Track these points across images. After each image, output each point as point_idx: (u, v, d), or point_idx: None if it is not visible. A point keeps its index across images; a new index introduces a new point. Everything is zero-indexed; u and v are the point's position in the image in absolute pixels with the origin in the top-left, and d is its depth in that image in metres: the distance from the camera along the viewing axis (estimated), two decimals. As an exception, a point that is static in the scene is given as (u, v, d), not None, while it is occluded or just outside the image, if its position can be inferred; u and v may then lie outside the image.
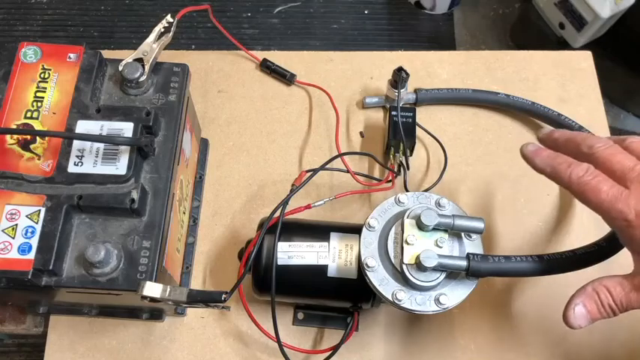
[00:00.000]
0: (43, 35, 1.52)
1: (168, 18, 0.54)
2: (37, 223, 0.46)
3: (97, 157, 0.49)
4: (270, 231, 0.52)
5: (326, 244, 0.53)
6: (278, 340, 0.53)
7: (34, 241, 0.45)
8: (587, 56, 0.76)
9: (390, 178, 0.63)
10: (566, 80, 0.74)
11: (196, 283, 0.62)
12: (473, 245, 0.49)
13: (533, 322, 0.61)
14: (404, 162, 0.64)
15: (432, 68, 0.75)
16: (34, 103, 0.50)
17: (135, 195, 0.47)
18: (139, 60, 0.52)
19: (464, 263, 0.46)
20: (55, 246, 0.45)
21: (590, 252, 0.49)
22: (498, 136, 0.71)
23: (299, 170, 0.68)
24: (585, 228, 0.66)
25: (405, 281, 0.48)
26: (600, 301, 0.42)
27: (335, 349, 0.56)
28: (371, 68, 0.74)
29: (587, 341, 0.61)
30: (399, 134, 0.63)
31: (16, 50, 0.52)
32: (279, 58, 0.73)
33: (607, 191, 0.39)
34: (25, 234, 0.45)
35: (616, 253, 0.52)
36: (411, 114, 0.66)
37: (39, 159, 0.48)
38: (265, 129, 0.70)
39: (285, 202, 0.53)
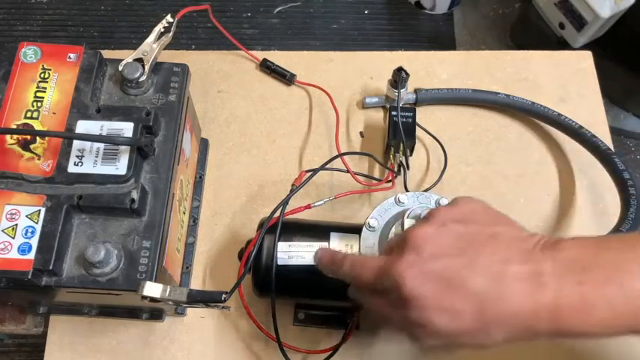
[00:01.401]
0: (43, 35, 1.52)
1: (169, 18, 0.54)
2: (37, 223, 0.46)
3: (97, 157, 0.49)
4: (270, 231, 0.52)
5: (326, 244, 0.53)
6: (278, 340, 0.53)
7: (34, 241, 0.45)
8: (587, 56, 0.76)
9: (390, 178, 0.63)
10: (566, 80, 0.74)
11: (196, 283, 0.62)
12: (473, 245, 0.49)
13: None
14: (404, 162, 0.64)
15: (432, 68, 0.75)
16: (34, 103, 0.50)
17: (135, 195, 0.47)
18: (139, 60, 0.52)
19: (464, 263, 0.46)
20: (55, 246, 0.45)
21: (590, 252, 0.49)
22: (498, 136, 0.71)
23: (299, 170, 0.68)
24: (585, 228, 0.66)
25: (405, 281, 0.48)
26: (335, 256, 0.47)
27: (335, 349, 0.56)
28: (371, 68, 0.74)
29: (589, 341, 0.61)
30: (399, 134, 0.63)
31: (16, 50, 0.52)
32: (279, 58, 0.73)
33: (371, 268, 0.42)
34: (25, 234, 0.45)
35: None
36: (411, 114, 0.66)
37: (39, 159, 0.48)
38: (265, 129, 0.70)
39: (285, 202, 0.53)
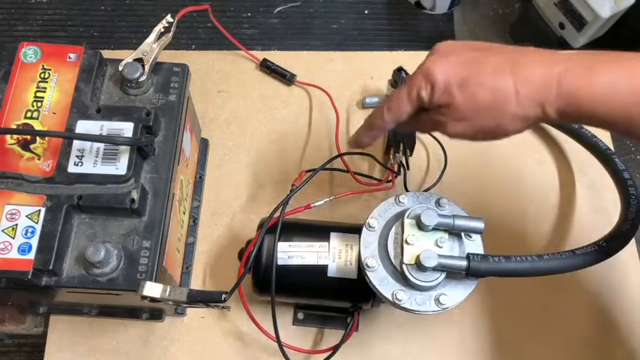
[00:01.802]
0: (43, 35, 1.52)
1: (169, 18, 0.54)
2: (37, 223, 0.46)
3: (97, 157, 0.49)
4: (270, 231, 0.52)
5: (326, 244, 0.53)
6: (278, 340, 0.53)
7: (34, 241, 0.45)
8: (587, 56, 0.76)
9: (390, 178, 0.63)
10: (566, 80, 0.74)
11: (196, 283, 0.62)
12: (473, 245, 0.49)
13: (533, 322, 0.62)
14: (404, 162, 0.64)
15: (432, 68, 0.74)
16: (34, 103, 0.50)
17: (135, 195, 0.47)
18: (139, 60, 0.52)
19: (464, 263, 0.46)
20: (55, 246, 0.45)
21: (589, 252, 0.49)
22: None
23: (299, 170, 0.68)
24: (585, 228, 0.66)
25: (405, 281, 0.48)
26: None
27: (335, 349, 0.56)
28: (371, 68, 0.74)
29: (589, 341, 0.61)
30: (399, 134, 0.63)
31: (16, 50, 0.52)
32: (279, 58, 0.73)
33: (401, 89, 0.46)
34: (25, 234, 0.45)
35: (616, 253, 0.52)
36: (411, 114, 0.66)
37: (39, 159, 0.48)
38: (265, 129, 0.70)
39: (285, 202, 0.53)
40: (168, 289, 0.44)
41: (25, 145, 0.49)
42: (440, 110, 0.44)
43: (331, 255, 0.53)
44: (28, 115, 0.50)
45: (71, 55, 0.53)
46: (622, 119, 0.41)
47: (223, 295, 0.46)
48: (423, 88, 0.44)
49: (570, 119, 0.43)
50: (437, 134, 0.68)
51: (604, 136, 0.66)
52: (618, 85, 0.40)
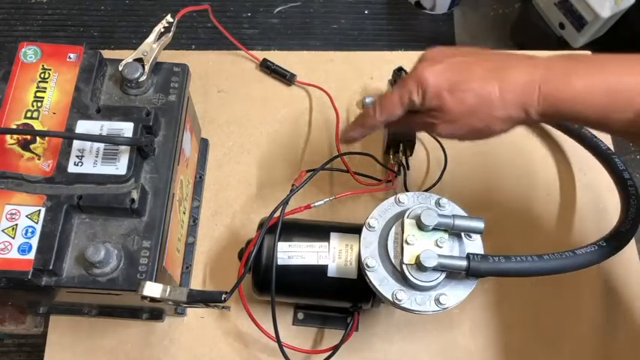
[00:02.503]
0: (43, 35, 1.52)
1: (169, 18, 0.54)
2: (37, 223, 0.46)
3: (97, 157, 0.49)
4: (270, 231, 0.52)
5: (326, 244, 0.53)
6: (278, 340, 0.53)
7: (34, 241, 0.45)
8: (587, 56, 0.76)
9: (390, 178, 0.63)
10: (566, 80, 0.74)
11: (196, 283, 0.62)
12: (473, 245, 0.49)
13: (533, 322, 0.62)
14: (404, 162, 0.64)
15: (432, 68, 0.74)
16: (34, 103, 0.50)
17: (135, 195, 0.47)
18: (139, 60, 0.52)
19: (464, 263, 0.46)
20: (55, 246, 0.45)
21: (590, 252, 0.49)
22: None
23: (299, 170, 0.68)
24: (585, 228, 0.66)
25: (405, 281, 0.48)
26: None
27: (335, 349, 0.56)
28: (371, 68, 0.74)
29: (589, 341, 0.61)
30: (398, 134, 0.63)
31: (16, 50, 0.52)
32: (279, 58, 0.73)
33: (393, 92, 0.49)
34: (25, 234, 0.45)
35: (616, 253, 0.52)
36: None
37: (39, 159, 0.48)
38: (265, 129, 0.70)
39: (285, 202, 0.53)
40: (168, 289, 0.44)
41: (25, 145, 0.49)
42: (431, 113, 0.47)
43: (331, 255, 0.53)
44: (28, 115, 0.50)
45: (71, 55, 0.53)
46: (599, 118, 0.44)
47: (223, 295, 0.46)
48: (415, 93, 0.47)
49: (552, 119, 0.48)
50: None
51: (604, 137, 0.66)
52: (593, 88, 0.43)
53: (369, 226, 0.50)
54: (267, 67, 0.73)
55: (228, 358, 0.59)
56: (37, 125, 0.50)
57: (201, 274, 0.62)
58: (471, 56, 0.47)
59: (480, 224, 0.48)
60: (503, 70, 0.45)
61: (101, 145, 0.49)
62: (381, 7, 1.61)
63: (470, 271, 0.46)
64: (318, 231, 0.54)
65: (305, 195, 0.64)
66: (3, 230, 0.45)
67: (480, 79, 0.45)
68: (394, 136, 0.64)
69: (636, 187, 0.59)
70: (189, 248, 0.62)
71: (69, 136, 0.49)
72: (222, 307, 0.48)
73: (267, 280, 0.52)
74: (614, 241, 0.52)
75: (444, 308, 0.47)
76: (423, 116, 0.48)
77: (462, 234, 0.49)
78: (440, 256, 0.46)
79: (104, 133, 0.49)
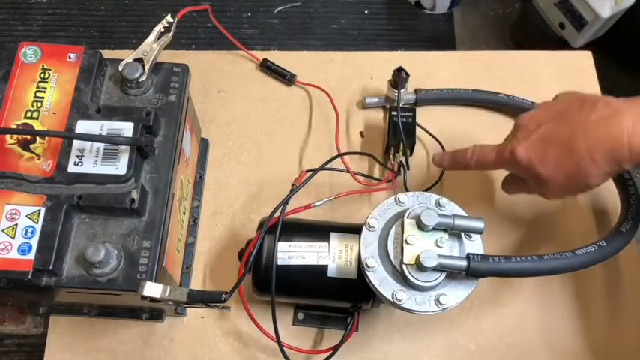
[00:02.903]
0: (43, 35, 1.52)
1: (169, 18, 0.54)
2: (37, 223, 0.46)
3: (97, 157, 0.49)
4: (270, 231, 0.52)
5: (326, 244, 0.53)
6: (278, 340, 0.53)
7: (34, 241, 0.45)
8: (587, 56, 0.76)
9: (390, 178, 0.63)
10: (566, 80, 0.74)
11: (196, 283, 0.62)
12: (473, 245, 0.49)
13: (533, 321, 0.61)
14: (404, 162, 0.64)
15: (432, 68, 0.75)
16: (34, 103, 0.50)
17: (135, 195, 0.47)
18: (139, 60, 0.52)
19: (464, 263, 0.46)
20: (55, 246, 0.45)
21: (590, 252, 0.49)
22: (498, 136, 0.70)
23: (299, 170, 0.68)
24: (585, 228, 0.66)
25: (405, 281, 0.48)
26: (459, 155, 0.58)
27: (335, 349, 0.56)
28: (371, 68, 0.74)
29: (589, 341, 0.61)
30: (399, 134, 0.63)
31: (16, 50, 0.52)
32: (279, 58, 0.73)
33: (492, 149, 0.55)
34: (25, 234, 0.45)
35: (616, 253, 0.52)
36: (411, 114, 0.66)
37: (39, 159, 0.48)
38: (265, 129, 0.70)
39: (285, 202, 0.53)
40: (168, 289, 0.44)
41: (25, 145, 0.49)
42: (533, 182, 0.52)
43: (331, 255, 0.53)
44: (28, 115, 0.50)
45: (71, 55, 0.53)
46: None
47: (223, 295, 0.46)
48: (511, 165, 0.53)
49: None
50: (437, 134, 0.68)
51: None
52: None
53: (369, 226, 0.50)
54: (267, 67, 0.73)
55: (228, 358, 0.59)
56: (37, 125, 0.50)
57: (201, 274, 0.62)
58: (559, 119, 0.50)
59: (479, 224, 0.48)
60: (589, 131, 0.47)
61: (101, 145, 0.49)
62: (381, 7, 1.61)
63: (470, 271, 0.46)
64: (318, 231, 0.54)
65: (305, 195, 0.64)
66: (3, 230, 0.45)
67: (567, 147, 0.48)
68: (394, 136, 0.64)
69: (636, 187, 0.59)
70: (189, 248, 0.62)
71: (69, 136, 0.49)
72: (222, 307, 0.48)
73: (267, 280, 0.52)
74: (614, 241, 0.52)
75: (444, 308, 0.47)
76: (530, 186, 0.53)
77: (462, 234, 0.49)
78: (440, 256, 0.46)
79: (104, 133, 0.49)
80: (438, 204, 0.51)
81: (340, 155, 0.60)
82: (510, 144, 0.52)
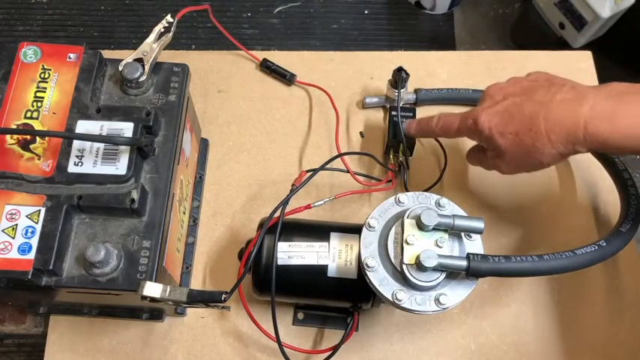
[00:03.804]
0: (43, 35, 1.52)
1: (168, 18, 0.54)
2: (37, 223, 0.46)
3: (97, 157, 0.49)
4: (270, 231, 0.52)
5: (326, 244, 0.53)
6: (278, 340, 0.53)
7: (34, 241, 0.45)
8: (587, 56, 0.76)
9: (390, 178, 0.63)
10: (566, 80, 0.74)
11: (196, 283, 0.62)
12: (473, 245, 0.49)
13: (533, 321, 0.62)
14: (404, 162, 0.64)
15: (432, 68, 0.75)
16: (34, 103, 0.50)
17: (135, 195, 0.47)
18: (139, 60, 0.52)
19: (464, 263, 0.46)
20: (55, 246, 0.45)
21: (590, 252, 0.49)
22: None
23: (299, 170, 0.68)
24: (585, 228, 0.66)
25: (405, 281, 0.48)
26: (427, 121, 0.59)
27: (335, 349, 0.56)
28: (371, 68, 0.74)
29: (589, 341, 0.61)
30: (399, 134, 0.63)
31: (16, 50, 0.52)
32: (279, 58, 0.73)
33: (456, 116, 0.56)
34: (25, 234, 0.45)
35: (616, 253, 0.52)
36: (411, 114, 0.66)
37: (39, 159, 0.48)
38: (265, 129, 0.70)
39: (285, 202, 0.53)
40: (168, 289, 0.44)
41: (25, 145, 0.49)
42: (493, 153, 0.53)
43: (331, 255, 0.53)
44: (28, 115, 0.50)
45: (71, 55, 0.53)
46: None
47: (223, 295, 0.46)
48: (472, 132, 0.53)
49: (601, 151, 0.51)
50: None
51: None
52: (638, 127, 0.46)
53: (369, 226, 0.50)
54: (267, 67, 0.73)
55: (228, 358, 0.59)
56: (37, 125, 0.50)
57: (201, 274, 0.62)
58: (524, 93, 0.51)
59: (479, 224, 0.48)
60: (550, 111, 0.48)
61: (101, 145, 0.49)
62: (381, 7, 1.61)
63: (470, 271, 0.46)
64: (318, 231, 0.54)
65: (305, 195, 0.64)
66: (3, 230, 0.45)
67: (528, 123, 0.49)
68: (394, 136, 0.64)
69: (636, 187, 0.59)
70: (189, 248, 0.62)
71: (69, 136, 0.49)
72: (222, 307, 0.48)
73: (267, 280, 0.52)
74: (614, 241, 0.52)
75: (444, 308, 0.47)
76: (488, 157, 0.55)
77: (462, 234, 0.49)
78: (440, 256, 0.46)
79: (104, 133, 0.49)
80: (438, 204, 0.51)
81: (340, 155, 0.60)
82: (474, 111, 0.53)
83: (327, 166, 0.58)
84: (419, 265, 0.46)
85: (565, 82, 0.51)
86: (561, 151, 0.48)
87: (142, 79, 0.52)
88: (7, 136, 0.49)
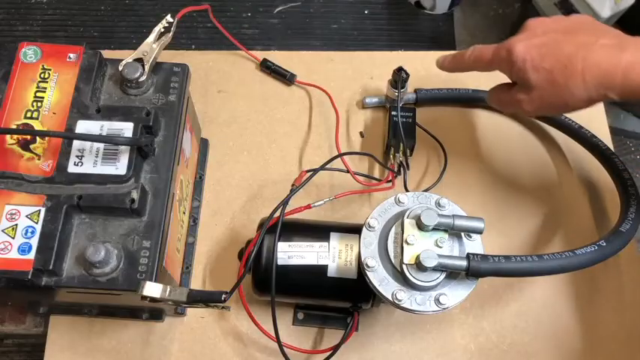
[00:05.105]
0: (43, 35, 1.52)
1: (168, 18, 0.54)
2: (37, 223, 0.46)
3: (97, 157, 0.49)
4: (270, 231, 0.52)
5: (326, 244, 0.53)
6: (278, 340, 0.53)
7: (34, 241, 0.45)
8: (587, 56, 0.76)
9: (390, 178, 0.63)
10: (566, 80, 0.74)
11: (196, 283, 0.62)
12: (473, 245, 0.49)
13: (533, 321, 0.62)
14: (404, 162, 0.64)
15: (432, 68, 0.74)
16: (34, 103, 0.50)
17: (135, 195, 0.47)
18: (139, 60, 0.52)
19: (464, 263, 0.46)
20: (55, 246, 0.45)
21: (590, 252, 0.49)
22: (498, 136, 0.71)
23: (299, 170, 0.68)
24: (585, 228, 0.66)
25: (405, 281, 0.48)
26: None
27: (335, 349, 0.56)
28: (371, 68, 0.74)
29: (589, 341, 0.61)
30: (399, 134, 0.63)
31: (16, 50, 0.52)
32: (279, 58, 0.73)
33: (490, 47, 0.54)
34: (25, 234, 0.45)
35: (616, 253, 0.52)
36: (411, 114, 0.66)
37: (39, 159, 0.48)
38: (265, 129, 0.70)
39: (285, 202, 0.53)
40: (168, 289, 0.44)
41: (25, 145, 0.49)
42: (518, 88, 0.52)
43: (331, 255, 0.53)
44: (28, 115, 0.50)
45: (71, 55, 0.53)
46: None
47: (223, 295, 0.46)
48: (505, 63, 0.51)
49: (630, 100, 0.48)
50: (437, 134, 0.68)
51: (604, 137, 0.66)
52: None
53: (369, 226, 0.50)
54: (267, 67, 0.73)
55: (228, 358, 0.59)
56: (37, 125, 0.50)
57: (201, 274, 0.62)
58: (565, 33, 0.49)
59: (479, 224, 0.48)
60: (590, 52, 0.47)
61: (101, 145, 0.49)
62: (381, 7, 1.60)
63: (470, 271, 0.46)
64: (318, 231, 0.54)
65: (305, 195, 0.64)
66: (3, 230, 0.45)
67: (565, 60, 0.47)
68: (394, 136, 0.64)
69: (636, 187, 0.59)
70: (189, 248, 0.62)
71: (69, 136, 0.49)
72: (222, 307, 0.48)
73: (267, 280, 0.52)
74: (614, 241, 0.52)
75: (444, 308, 0.47)
76: (512, 93, 0.52)
77: (462, 234, 0.49)
78: (440, 256, 0.46)
79: (104, 133, 0.50)
80: (438, 204, 0.51)
81: (340, 155, 0.60)
82: (510, 41, 0.51)
83: (327, 166, 0.58)
84: (419, 265, 0.46)
85: (610, 29, 0.50)
86: (591, 94, 0.47)
87: (142, 79, 0.52)
88: (7, 136, 0.49)
